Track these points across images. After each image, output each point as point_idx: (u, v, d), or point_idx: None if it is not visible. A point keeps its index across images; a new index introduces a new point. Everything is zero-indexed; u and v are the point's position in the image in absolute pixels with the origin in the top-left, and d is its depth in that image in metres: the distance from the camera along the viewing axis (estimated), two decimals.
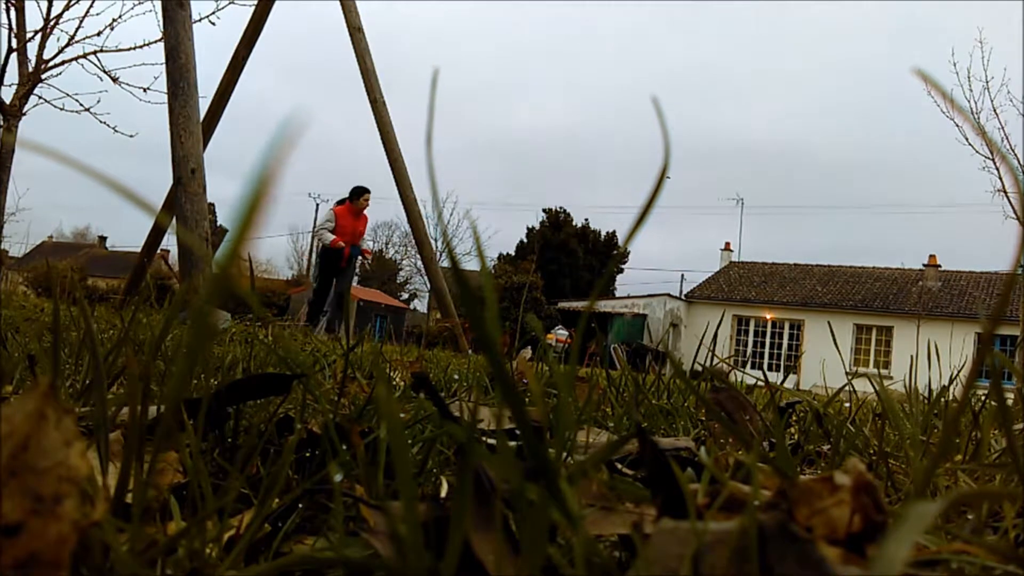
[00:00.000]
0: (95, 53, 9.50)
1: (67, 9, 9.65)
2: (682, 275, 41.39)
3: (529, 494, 0.40)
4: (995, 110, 17.04)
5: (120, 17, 9.57)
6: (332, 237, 9.78)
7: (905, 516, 0.33)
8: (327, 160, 70.69)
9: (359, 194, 9.92)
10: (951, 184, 60.49)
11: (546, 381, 1.44)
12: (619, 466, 0.87)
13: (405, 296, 51.19)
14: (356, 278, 11.06)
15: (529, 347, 5.87)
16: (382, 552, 0.45)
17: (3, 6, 8.90)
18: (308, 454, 0.78)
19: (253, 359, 1.43)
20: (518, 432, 0.40)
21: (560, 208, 40.33)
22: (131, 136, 9.68)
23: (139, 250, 7.43)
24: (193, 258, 4.46)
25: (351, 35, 6.88)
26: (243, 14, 7.02)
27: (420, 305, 50.30)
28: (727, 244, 36.22)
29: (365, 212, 10.16)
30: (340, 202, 10.09)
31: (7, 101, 9.11)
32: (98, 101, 9.52)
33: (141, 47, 9.56)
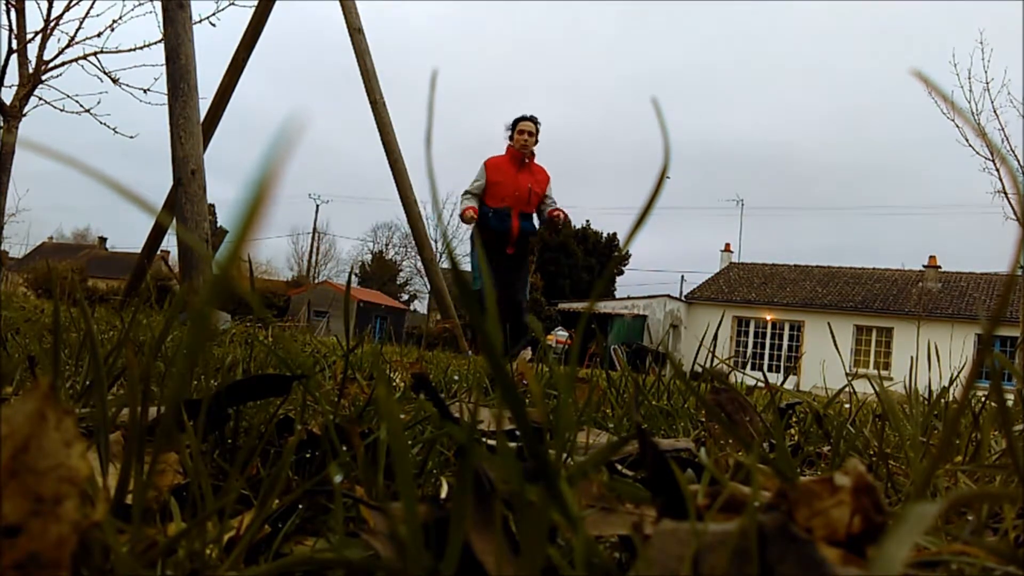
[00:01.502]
0: (95, 54, 9.51)
1: (67, 10, 9.66)
2: (682, 276, 41.43)
3: (529, 495, 0.40)
4: (995, 111, 17.05)
5: (120, 18, 9.58)
6: (467, 205, 6.25)
7: (905, 517, 0.34)
8: (327, 161, 70.73)
9: (515, 125, 6.40)
10: (951, 185, 60.56)
11: (546, 382, 1.44)
12: (619, 467, 0.87)
13: (405, 297, 51.22)
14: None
15: (529, 348, 5.86)
16: (382, 553, 0.45)
17: (3, 7, 8.91)
18: (308, 455, 0.78)
19: (253, 360, 1.43)
20: (518, 433, 0.40)
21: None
22: (131, 137, 9.69)
23: (139, 251, 7.43)
24: (193, 259, 4.46)
25: (351, 36, 6.87)
26: (243, 15, 7.03)
27: (420, 306, 50.34)
28: (727, 245, 36.24)
29: (538, 162, 6.44)
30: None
31: (7, 102, 9.12)
32: (98, 102, 9.53)
33: (141, 48, 9.57)
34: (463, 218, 6.29)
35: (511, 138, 6.46)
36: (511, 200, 6.29)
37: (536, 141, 6.48)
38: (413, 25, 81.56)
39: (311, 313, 30.14)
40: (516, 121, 6.47)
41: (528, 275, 6.70)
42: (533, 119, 6.50)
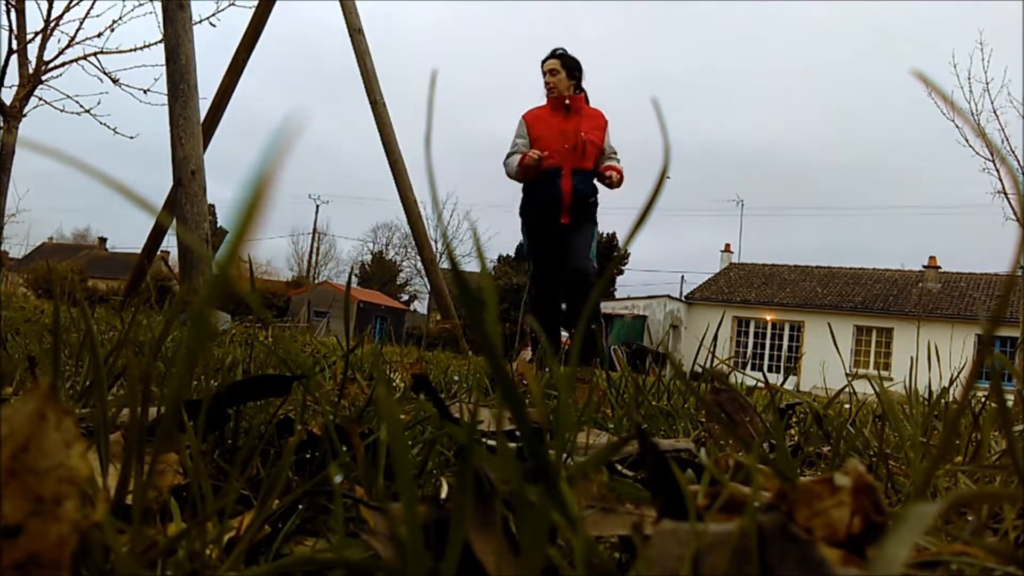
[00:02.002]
0: (95, 55, 9.51)
1: (67, 11, 9.67)
2: (682, 276, 41.49)
3: (529, 495, 0.40)
4: (995, 112, 17.07)
5: (120, 18, 9.58)
6: (517, 158, 4.99)
7: (905, 517, 0.33)
8: (327, 162, 70.78)
9: (542, 68, 5.09)
10: (951, 186, 60.57)
11: (546, 382, 1.44)
12: (619, 467, 0.87)
13: (405, 297, 51.25)
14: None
15: (529, 348, 5.86)
16: (382, 553, 0.45)
17: (3, 7, 8.91)
18: (308, 455, 0.78)
19: (253, 360, 1.43)
20: (518, 433, 0.40)
21: None
22: (131, 138, 9.69)
23: (139, 251, 7.42)
24: (193, 259, 4.46)
25: (351, 37, 6.88)
26: (243, 16, 7.04)
27: (420, 307, 50.39)
28: (727, 246, 36.26)
29: (591, 104, 5.12)
30: None
31: (7, 102, 9.12)
32: (98, 103, 9.53)
33: (141, 48, 9.57)
34: (522, 167, 4.86)
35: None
36: (560, 155, 4.87)
37: (573, 80, 5.03)
38: (413, 25, 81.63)
39: (311, 313, 30.14)
40: (542, 63, 5.12)
41: (592, 242, 4.97)
42: (554, 53, 5.05)
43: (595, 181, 5.08)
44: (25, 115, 9.30)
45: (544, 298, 5.01)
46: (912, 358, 1.45)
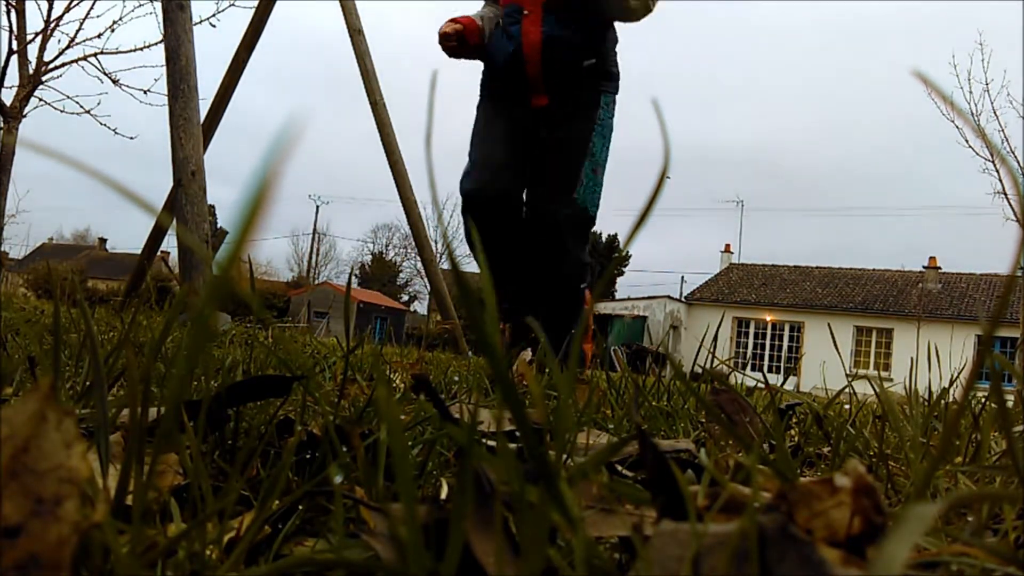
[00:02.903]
0: (96, 55, 9.52)
1: (67, 11, 9.68)
2: (682, 277, 41.54)
3: (529, 496, 0.40)
4: (995, 112, 17.10)
5: (120, 19, 9.60)
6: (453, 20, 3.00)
7: (905, 518, 0.33)
8: (327, 162, 70.78)
9: None
10: (951, 186, 60.59)
11: (546, 383, 1.44)
12: (619, 468, 0.87)
13: (405, 298, 51.26)
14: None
15: (529, 349, 5.85)
16: (382, 554, 0.45)
17: (3, 8, 8.92)
18: (308, 456, 0.78)
19: (253, 361, 1.43)
20: (518, 434, 0.40)
21: None
22: (131, 138, 9.70)
23: (139, 252, 7.42)
24: (193, 260, 4.46)
25: (351, 37, 6.87)
26: (244, 16, 7.04)
27: (420, 307, 50.41)
28: (727, 246, 36.27)
29: None
30: None
31: (7, 103, 9.12)
32: (98, 103, 9.55)
33: (141, 49, 9.59)
34: (441, 43, 2.97)
35: None
36: None
37: None
38: (413, 24, 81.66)
39: (311, 314, 30.13)
40: None
41: (585, 155, 2.87)
42: None
43: (594, 32, 2.84)
44: (25, 116, 9.31)
45: (493, 251, 2.88)
46: (912, 359, 1.45)
